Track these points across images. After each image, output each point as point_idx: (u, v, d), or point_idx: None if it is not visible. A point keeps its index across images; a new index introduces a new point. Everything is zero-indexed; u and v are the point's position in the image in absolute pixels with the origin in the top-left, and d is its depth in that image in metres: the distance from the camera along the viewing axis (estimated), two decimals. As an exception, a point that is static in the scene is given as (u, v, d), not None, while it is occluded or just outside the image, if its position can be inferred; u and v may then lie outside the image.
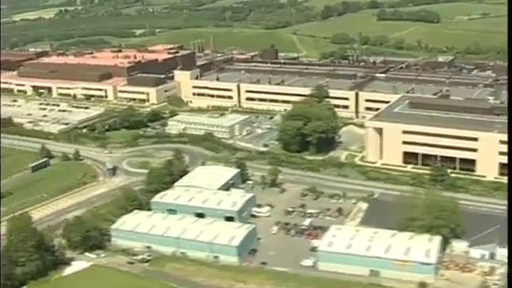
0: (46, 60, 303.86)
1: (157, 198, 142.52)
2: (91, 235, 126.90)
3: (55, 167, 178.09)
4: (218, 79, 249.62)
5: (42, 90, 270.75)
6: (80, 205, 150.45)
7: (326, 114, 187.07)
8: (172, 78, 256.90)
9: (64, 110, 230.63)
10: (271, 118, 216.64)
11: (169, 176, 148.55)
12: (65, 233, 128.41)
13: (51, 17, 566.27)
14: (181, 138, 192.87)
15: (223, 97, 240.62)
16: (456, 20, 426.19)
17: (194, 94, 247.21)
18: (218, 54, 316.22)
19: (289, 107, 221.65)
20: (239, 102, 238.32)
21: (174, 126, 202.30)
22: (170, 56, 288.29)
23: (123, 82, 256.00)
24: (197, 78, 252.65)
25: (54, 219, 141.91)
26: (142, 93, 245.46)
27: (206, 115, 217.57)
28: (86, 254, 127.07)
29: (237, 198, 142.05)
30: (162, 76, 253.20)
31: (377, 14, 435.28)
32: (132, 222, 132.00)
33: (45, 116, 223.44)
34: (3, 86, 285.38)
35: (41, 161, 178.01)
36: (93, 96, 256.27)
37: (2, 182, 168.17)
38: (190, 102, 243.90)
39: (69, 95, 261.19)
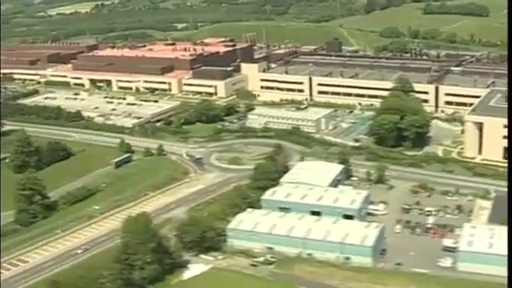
0: (100, 53, 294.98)
1: (267, 196, 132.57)
2: (207, 236, 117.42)
3: (139, 163, 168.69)
4: (286, 72, 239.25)
5: (101, 84, 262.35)
6: (180, 202, 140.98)
7: (419, 108, 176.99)
8: (233, 71, 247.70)
9: (132, 104, 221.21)
10: (351, 111, 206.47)
11: (276, 172, 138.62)
12: (178, 233, 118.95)
13: (87, 11, 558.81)
14: (266, 132, 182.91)
15: (293, 90, 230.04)
16: (505, 13, 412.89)
17: (262, 88, 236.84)
18: (274, 47, 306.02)
19: (364, 101, 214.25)
20: (311, 95, 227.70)
21: (254, 120, 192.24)
22: (229, 49, 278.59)
23: (187, 75, 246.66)
24: (264, 71, 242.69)
25: (156, 218, 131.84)
26: (210, 86, 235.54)
27: (283, 109, 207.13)
28: (202, 256, 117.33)
29: (352, 196, 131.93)
30: (229, 69, 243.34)
31: (423, 8, 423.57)
32: (249, 221, 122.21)
33: (114, 110, 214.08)
34: (58, 78, 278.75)
35: (124, 156, 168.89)
36: (156, 89, 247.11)
37: (84, 177, 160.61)
38: (258, 95, 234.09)
39: (129, 88, 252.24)
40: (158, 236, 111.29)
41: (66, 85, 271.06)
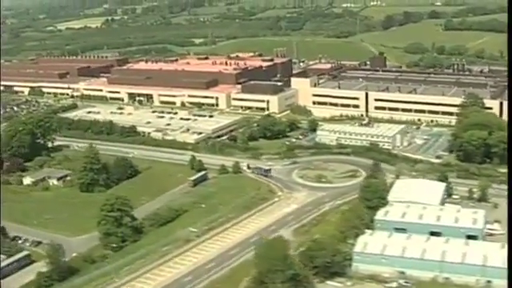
0: (135, 66, 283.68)
1: (381, 216, 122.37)
2: (334, 260, 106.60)
3: (217, 181, 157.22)
4: (339, 87, 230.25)
5: (141, 98, 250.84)
6: (279, 224, 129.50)
7: (502, 124, 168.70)
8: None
9: (187, 119, 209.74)
10: (417, 127, 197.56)
11: (384, 191, 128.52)
12: (302, 258, 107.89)
13: (98, 26, 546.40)
14: (341, 148, 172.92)
15: (348, 106, 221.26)
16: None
17: (313, 103, 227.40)
18: (310, 62, 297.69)
19: (424, 117, 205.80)
20: (367, 111, 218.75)
21: (324, 136, 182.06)
22: (270, 64, 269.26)
23: (233, 90, 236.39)
24: (315, 86, 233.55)
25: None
26: (262, 101, 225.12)
27: (347, 125, 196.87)
28: (328, 282, 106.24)
29: (471, 215, 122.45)
30: (279, 83, 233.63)
31: (441, 24, 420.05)
32: (375, 243, 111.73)
33: (168, 124, 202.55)
34: (93, 92, 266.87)
35: (200, 174, 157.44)
36: (201, 104, 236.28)
37: (162, 196, 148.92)
38: (309, 111, 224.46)
39: (172, 103, 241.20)
40: (294, 263, 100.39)
41: (101, 99, 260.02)
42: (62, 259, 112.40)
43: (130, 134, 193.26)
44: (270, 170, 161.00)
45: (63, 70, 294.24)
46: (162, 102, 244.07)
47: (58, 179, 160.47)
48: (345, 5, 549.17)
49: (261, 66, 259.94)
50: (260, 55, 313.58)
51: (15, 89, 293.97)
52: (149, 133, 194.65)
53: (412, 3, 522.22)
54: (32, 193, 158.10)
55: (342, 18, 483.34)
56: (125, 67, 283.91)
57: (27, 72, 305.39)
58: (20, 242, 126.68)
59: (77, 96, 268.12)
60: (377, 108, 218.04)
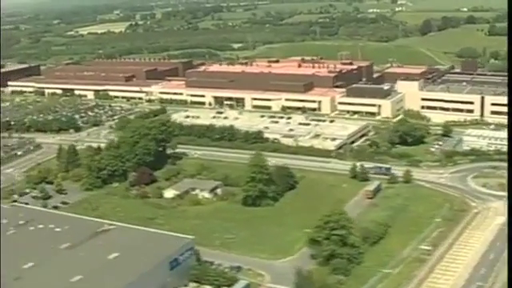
0: (211, 69, 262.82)
1: None
2: None
3: (394, 191, 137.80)
4: (448, 91, 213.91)
5: (229, 102, 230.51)
6: (504, 237, 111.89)
7: None
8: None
9: (306, 124, 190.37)
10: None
11: None
12: None
13: (121, 31, 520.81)
14: (501, 154, 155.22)
15: (461, 110, 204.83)
16: None
17: (422, 107, 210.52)
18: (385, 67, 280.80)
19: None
20: (482, 115, 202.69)
21: (472, 142, 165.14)
22: (355, 67, 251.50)
23: (335, 93, 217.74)
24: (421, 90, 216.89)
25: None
26: (373, 105, 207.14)
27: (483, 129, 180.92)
28: None
29: None
30: (387, 87, 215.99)
31: (482, 30, 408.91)
32: None
33: (291, 130, 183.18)
34: (170, 96, 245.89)
35: (375, 184, 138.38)
36: (299, 108, 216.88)
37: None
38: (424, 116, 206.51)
39: (267, 107, 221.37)
40: None
41: (179, 102, 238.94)
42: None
43: (257, 140, 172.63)
44: (390, 168, 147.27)
45: (129, 73, 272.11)
46: (254, 107, 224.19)
47: (210, 191, 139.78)
48: (370, 10, 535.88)
49: (352, 70, 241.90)
50: (321, 59, 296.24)
51: (76, 92, 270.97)
52: (274, 139, 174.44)
53: (439, 8, 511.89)
54: (180, 207, 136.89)
55: (377, 23, 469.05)
56: (200, 69, 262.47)
57: (87, 75, 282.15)
58: (213, 267, 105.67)
59: (152, 100, 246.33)
60: (493, 112, 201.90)
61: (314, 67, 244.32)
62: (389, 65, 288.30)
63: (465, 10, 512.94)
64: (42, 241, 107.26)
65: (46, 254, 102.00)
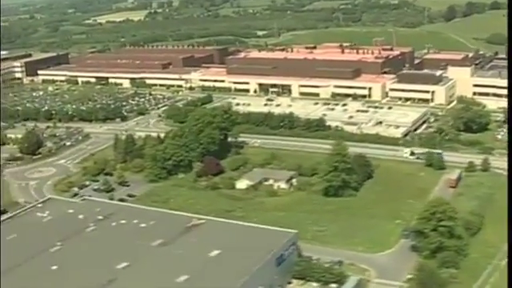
0: (251, 55, 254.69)
1: None
2: None
3: (476, 180, 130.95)
4: (500, 76, 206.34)
5: (275, 89, 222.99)
6: None
7: None
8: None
9: (364, 111, 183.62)
10: None
11: None
12: None
13: (140, 19, 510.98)
14: None
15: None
16: None
17: (474, 94, 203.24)
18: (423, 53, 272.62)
19: None
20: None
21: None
22: (398, 53, 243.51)
23: (384, 80, 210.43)
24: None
25: None
26: (426, 91, 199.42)
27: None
28: None
29: None
30: (438, 73, 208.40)
31: None
32: None
33: (350, 117, 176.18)
34: (209, 83, 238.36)
35: (457, 173, 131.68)
36: (348, 95, 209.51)
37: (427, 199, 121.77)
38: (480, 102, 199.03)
39: (315, 94, 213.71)
40: None
41: (221, 90, 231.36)
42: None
43: (319, 128, 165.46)
44: (441, 153, 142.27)
45: (164, 61, 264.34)
46: (301, 94, 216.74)
47: (286, 182, 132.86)
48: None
49: (398, 55, 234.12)
50: (354, 45, 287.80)
51: (111, 80, 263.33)
52: (337, 126, 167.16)
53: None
54: (257, 199, 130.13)
55: (400, 9, 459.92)
56: (240, 56, 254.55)
57: (121, 63, 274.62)
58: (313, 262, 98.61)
59: (193, 87, 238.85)
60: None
61: (357, 53, 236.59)
62: (425, 51, 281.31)
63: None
64: (130, 238, 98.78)
65: (139, 252, 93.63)
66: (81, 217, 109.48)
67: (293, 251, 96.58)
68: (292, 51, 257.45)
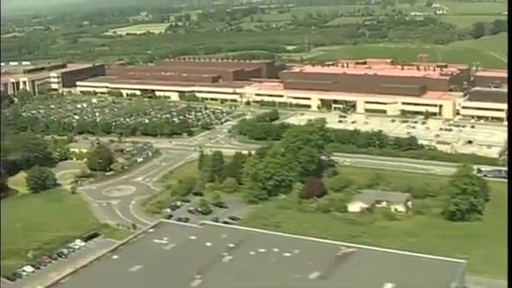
0: (307, 70, 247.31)
1: None
2: None
3: None
4: None
5: (337, 105, 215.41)
6: None
7: None
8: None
9: (448, 129, 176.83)
10: None
11: None
12: None
13: (161, 32, 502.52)
14: None
15: None
16: None
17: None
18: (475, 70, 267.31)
19: None
20: None
21: None
22: (457, 70, 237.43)
23: (454, 97, 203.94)
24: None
25: None
26: (501, 110, 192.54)
27: None
28: None
29: None
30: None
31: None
32: None
33: (437, 136, 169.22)
34: (265, 98, 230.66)
35: None
36: (416, 112, 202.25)
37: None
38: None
39: (382, 111, 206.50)
40: None
41: (280, 105, 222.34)
42: None
43: (411, 146, 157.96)
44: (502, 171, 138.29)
45: (212, 74, 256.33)
46: (367, 110, 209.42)
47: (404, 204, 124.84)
48: (412, 13, 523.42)
49: (460, 73, 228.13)
50: (395, 61, 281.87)
51: (157, 93, 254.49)
52: (427, 145, 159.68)
53: (478, 11, 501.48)
54: (377, 223, 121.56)
55: (427, 25, 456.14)
56: (295, 71, 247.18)
57: (167, 75, 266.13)
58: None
59: (250, 102, 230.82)
60: None
61: (418, 70, 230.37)
62: (474, 68, 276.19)
63: (505, 13, 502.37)
64: (281, 269, 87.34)
65: (297, 287, 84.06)
66: (208, 244, 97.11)
67: (463, 284, 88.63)
68: (343, 66, 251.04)
